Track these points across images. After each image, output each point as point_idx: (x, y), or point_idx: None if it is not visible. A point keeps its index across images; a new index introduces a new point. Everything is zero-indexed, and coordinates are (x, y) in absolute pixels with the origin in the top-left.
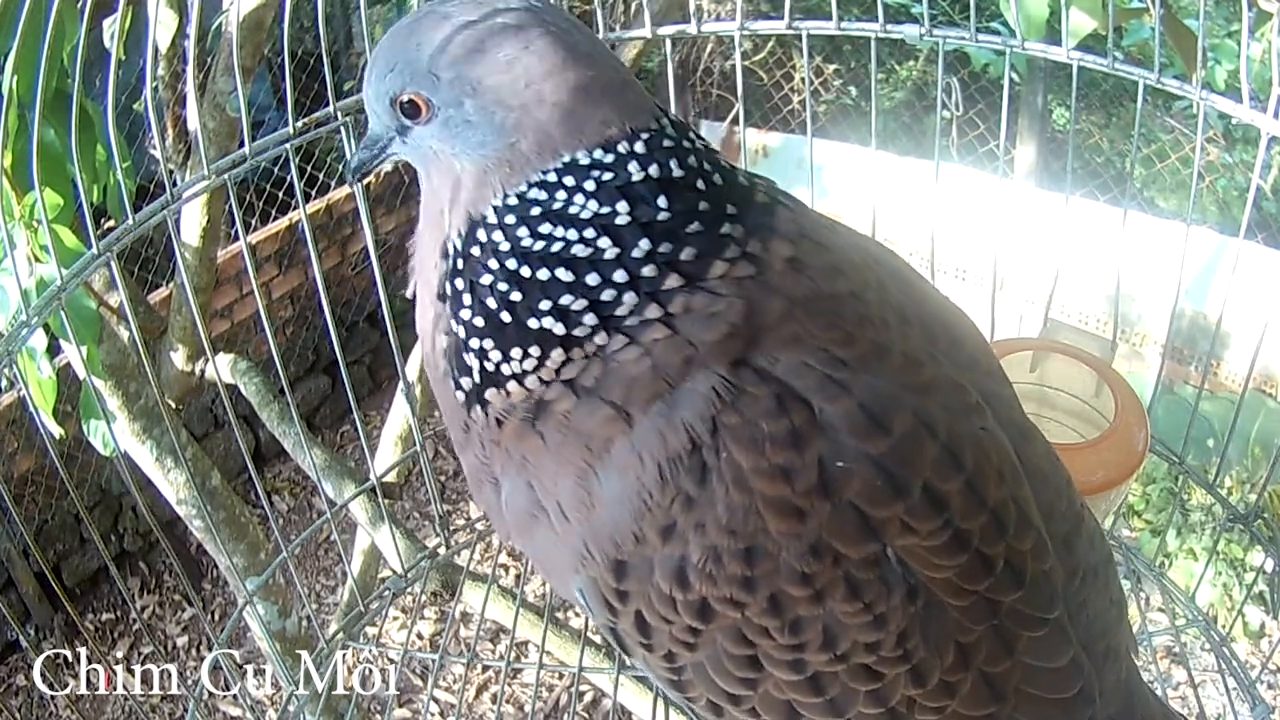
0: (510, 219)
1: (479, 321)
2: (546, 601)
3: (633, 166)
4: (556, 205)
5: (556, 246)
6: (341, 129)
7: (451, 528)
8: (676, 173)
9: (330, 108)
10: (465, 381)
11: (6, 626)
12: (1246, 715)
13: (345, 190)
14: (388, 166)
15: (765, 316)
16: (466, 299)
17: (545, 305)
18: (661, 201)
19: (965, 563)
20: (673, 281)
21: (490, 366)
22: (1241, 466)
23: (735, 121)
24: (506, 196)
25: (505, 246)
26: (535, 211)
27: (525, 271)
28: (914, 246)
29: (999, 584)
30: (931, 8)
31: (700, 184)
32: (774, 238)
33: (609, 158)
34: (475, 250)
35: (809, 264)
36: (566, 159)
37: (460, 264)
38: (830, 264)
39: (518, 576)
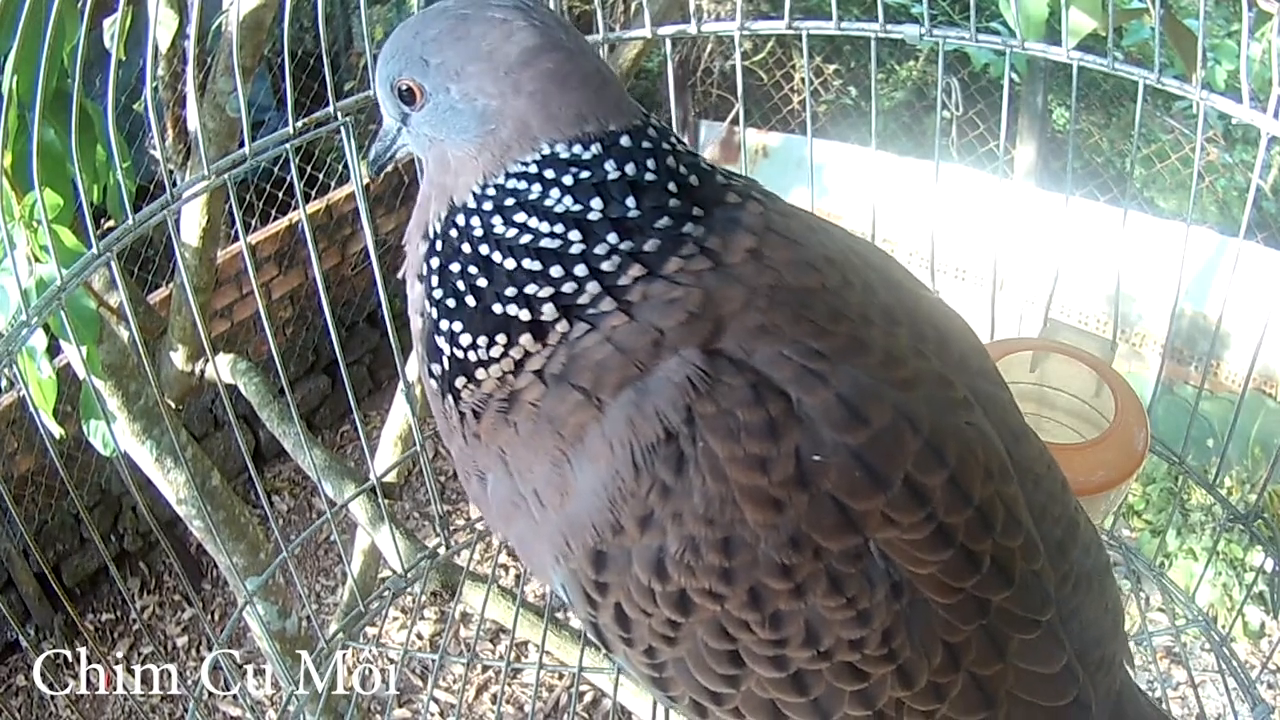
0: (488, 206)
1: (450, 303)
2: (546, 601)
3: (609, 165)
4: (533, 196)
5: (526, 238)
6: (341, 129)
7: (451, 528)
8: (649, 176)
9: (330, 108)
10: (435, 368)
11: (6, 626)
12: (1246, 715)
13: (345, 190)
14: (402, 156)
15: (726, 304)
16: (436, 280)
17: (511, 292)
18: (630, 201)
19: (950, 558)
20: (635, 271)
21: (459, 353)
22: (1241, 466)
23: (735, 121)
24: (486, 186)
25: (479, 233)
26: (511, 201)
27: (496, 258)
28: (914, 246)
29: (986, 582)
30: (931, 8)
31: (672, 185)
32: (736, 231)
33: (587, 154)
34: (452, 233)
35: (773, 257)
36: (546, 150)
37: (438, 245)
38: (802, 259)
39: (518, 576)
